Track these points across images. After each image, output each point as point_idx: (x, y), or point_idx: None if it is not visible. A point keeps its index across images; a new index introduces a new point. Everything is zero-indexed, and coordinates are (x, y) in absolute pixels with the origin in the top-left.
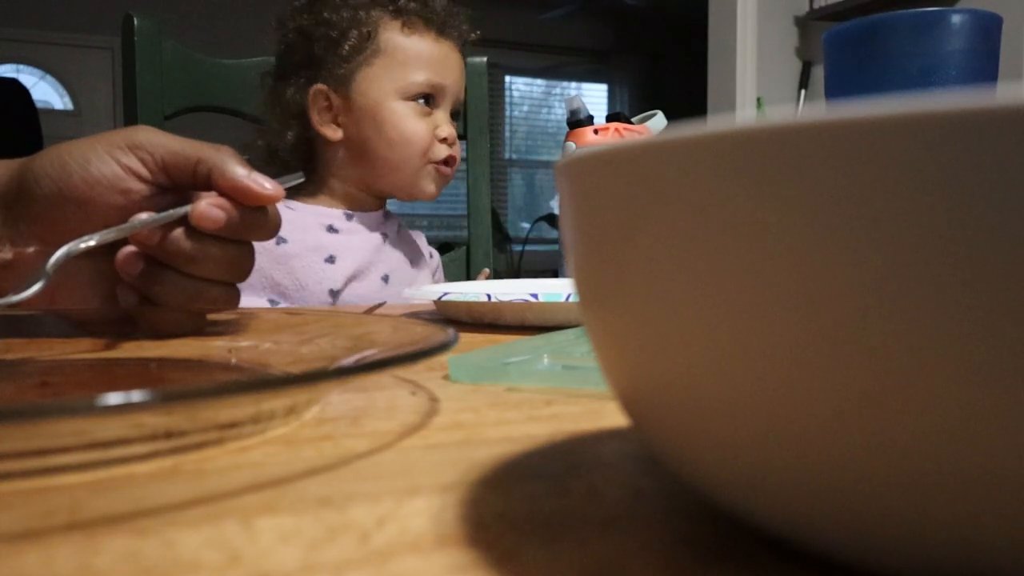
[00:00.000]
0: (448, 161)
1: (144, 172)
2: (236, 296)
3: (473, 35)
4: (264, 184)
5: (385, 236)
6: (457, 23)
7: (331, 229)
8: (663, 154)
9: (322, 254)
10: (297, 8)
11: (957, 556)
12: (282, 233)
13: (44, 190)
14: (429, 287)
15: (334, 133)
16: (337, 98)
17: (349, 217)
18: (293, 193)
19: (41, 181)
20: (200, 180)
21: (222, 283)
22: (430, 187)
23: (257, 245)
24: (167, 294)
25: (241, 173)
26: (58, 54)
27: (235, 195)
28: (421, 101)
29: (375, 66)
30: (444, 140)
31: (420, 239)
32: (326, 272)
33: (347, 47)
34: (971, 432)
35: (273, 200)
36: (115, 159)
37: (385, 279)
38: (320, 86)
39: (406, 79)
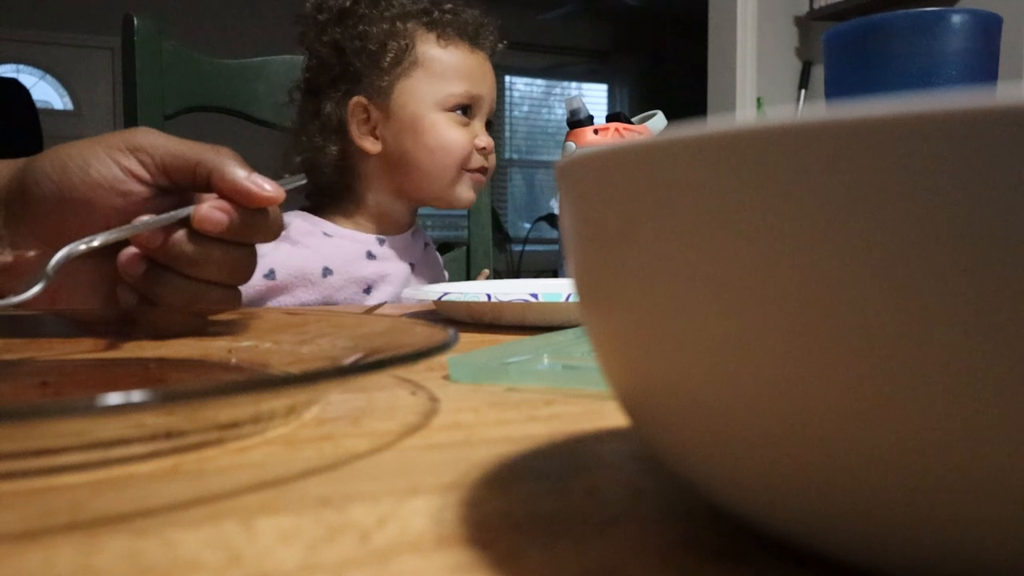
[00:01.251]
0: (483, 170)
1: (144, 174)
2: (237, 297)
3: (501, 44)
4: (264, 186)
5: (413, 265)
6: (488, 33)
7: (370, 255)
8: (663, 154)
9: (361, 286)
10: (325, 22)
11: (958, 556)
12: (328, 264)
13: (44, 191)
14: (429, 287)
15: (373, 146)
16: (376, 111)
17: (381, 242)
18: (329, 214)
19: (41, 183)
20: (200, 182)
21: (223, 285)
22: (467, 194)
23: (305, 280)
24: (168, 296)
25: (241, 175)
26: (58, 54)
27: (235, 197)
28: (459, 112)
29: (414, 78)
30: (482, 150)
31: (438, 256)
32: (364, 304)
33: (387, 59)
34: (973, 433)
35: (273, 202)
36: (115, 161)
37: None
38: (360, 99)
39: (445, 91)
